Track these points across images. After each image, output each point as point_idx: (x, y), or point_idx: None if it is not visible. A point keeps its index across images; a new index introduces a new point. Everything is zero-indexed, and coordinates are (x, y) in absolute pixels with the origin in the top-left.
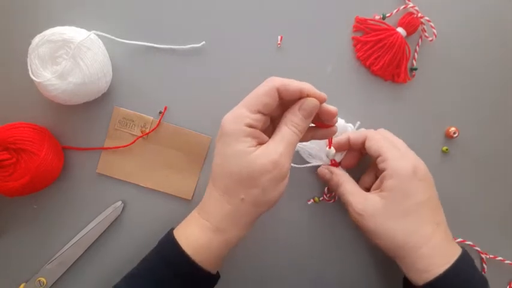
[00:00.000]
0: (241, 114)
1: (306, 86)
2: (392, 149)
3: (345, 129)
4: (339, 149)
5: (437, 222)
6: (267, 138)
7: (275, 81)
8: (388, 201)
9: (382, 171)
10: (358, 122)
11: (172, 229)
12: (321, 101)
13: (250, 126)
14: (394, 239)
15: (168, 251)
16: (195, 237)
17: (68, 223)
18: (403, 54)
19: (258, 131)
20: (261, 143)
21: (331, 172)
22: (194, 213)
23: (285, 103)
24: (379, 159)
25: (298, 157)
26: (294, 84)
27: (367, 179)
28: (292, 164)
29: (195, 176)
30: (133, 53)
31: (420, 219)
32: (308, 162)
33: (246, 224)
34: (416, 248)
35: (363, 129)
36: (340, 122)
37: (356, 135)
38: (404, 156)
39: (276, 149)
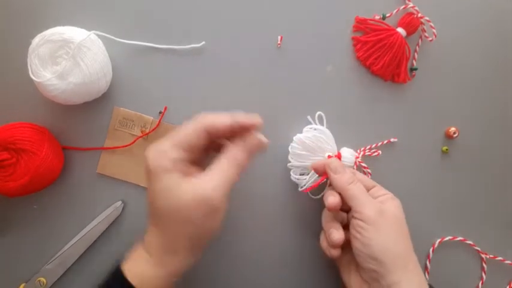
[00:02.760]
0: (164, 151)
1: (238, 118)
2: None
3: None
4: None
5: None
6: (196, 169)
7: (204, 120)
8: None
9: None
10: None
11: (120, 263)
12: (257, 125)
13: (174, 161)
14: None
15: (116, 285)
16: (140, 270)
17: (68, 223)
18: (403, 54)
19: (183, 164)
20: (190, 174)
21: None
22: (139, 246)
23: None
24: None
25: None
26: (223, 121)
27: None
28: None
29: None
30: (134, 53)
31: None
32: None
33: (186, 256)
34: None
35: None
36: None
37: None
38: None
39: (208, 183)
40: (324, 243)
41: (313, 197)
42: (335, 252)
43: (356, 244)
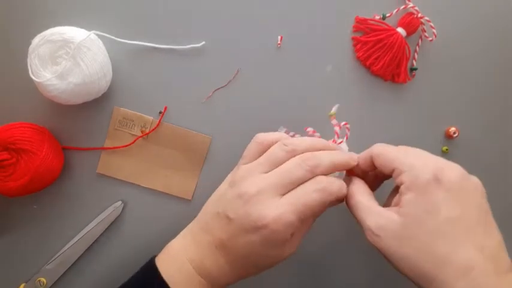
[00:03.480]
0: (292, 224)
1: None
2: (407, 157)
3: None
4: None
5: (481, 246)
6: None
7: (332, 195)
8: (408, 220)
9: (400, 183)
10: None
11: (154, 261)
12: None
13: (292, 233)
14: (420, 270)
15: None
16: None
17: (68, 223)
18: (403, 54)
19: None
20: None
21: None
22: (187, 263)
23: None
24: (394, 174)
25: None
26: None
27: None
28: None
29: (195, 176)
30: (134, 53)
31: (453, 242)
32: None
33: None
34: (449, 283)
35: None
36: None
37: (363, 156)
38: (424, 162)
39: (298, 243)
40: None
41: None
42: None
43: None
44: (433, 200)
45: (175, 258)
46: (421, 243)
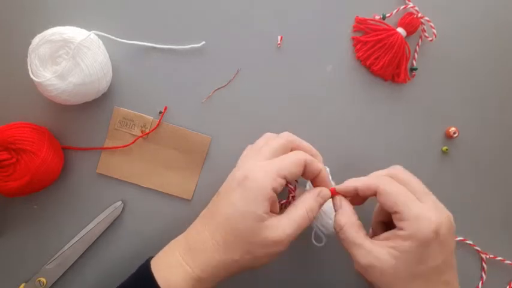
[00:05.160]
0: (272, 175)
1: (324, 169)
2: (411, 205)
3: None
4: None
5: (446, 281)
6: (277, 207)
7: (304, 155)
8: (400, 263)
9: (399, 228)
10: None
11: (149, 261)
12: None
13: (275, 190)
14: None
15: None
16: (176, 284)
17: (68, 223)
18: (403, 54)
19: (275, 196)
20: (271, 211)
21: (336, 207)
22: (176, 253)
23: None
24: (396, 217)
25: None
26: (316, 163)
27: (375, 220)
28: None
29: (195, 176)
30: (134, 53)
31: (428, 282)
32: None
33: (226, 277)
34: None
35: (373, 174)
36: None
37: (364, 185)
38: (427, 214)
39: (286, 228)
40: None
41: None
42: None
43: None
44: (427, 252)
45: (167, 250)
46: (405, 281)
